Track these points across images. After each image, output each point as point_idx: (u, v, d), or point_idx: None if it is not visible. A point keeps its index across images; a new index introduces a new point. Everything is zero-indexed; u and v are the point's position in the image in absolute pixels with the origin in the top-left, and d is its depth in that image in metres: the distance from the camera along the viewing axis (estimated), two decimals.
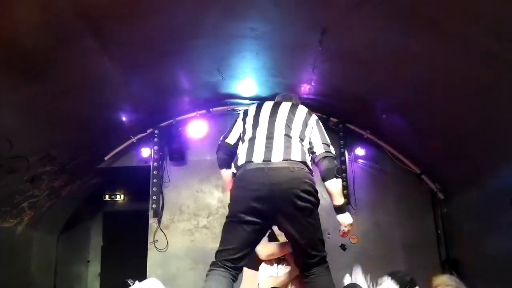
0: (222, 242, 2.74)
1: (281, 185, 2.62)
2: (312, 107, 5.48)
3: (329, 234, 5.70)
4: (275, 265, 3.29)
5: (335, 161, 2.85)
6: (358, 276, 3.66)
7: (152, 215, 5.86)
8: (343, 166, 5.80)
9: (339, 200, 2.87)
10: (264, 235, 2.95)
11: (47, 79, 3.87)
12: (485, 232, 4.51)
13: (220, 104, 5.81)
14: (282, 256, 3.30)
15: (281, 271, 3.25)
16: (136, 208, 7.13)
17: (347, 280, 3.58)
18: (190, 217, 5.92)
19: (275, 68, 4.83)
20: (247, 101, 5.62)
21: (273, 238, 3.36)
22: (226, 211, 2.88)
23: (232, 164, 2.95)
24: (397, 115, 5.05)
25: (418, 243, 5.63)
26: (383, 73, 4.29)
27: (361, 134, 5.86)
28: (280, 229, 2.93)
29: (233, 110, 5.75)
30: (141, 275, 4.58)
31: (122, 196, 7.79)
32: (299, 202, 2.62)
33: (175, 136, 5.88)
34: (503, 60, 3.13)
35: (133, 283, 3.04)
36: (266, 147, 2.77)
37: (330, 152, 2.85)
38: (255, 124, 2.93)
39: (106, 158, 5.90)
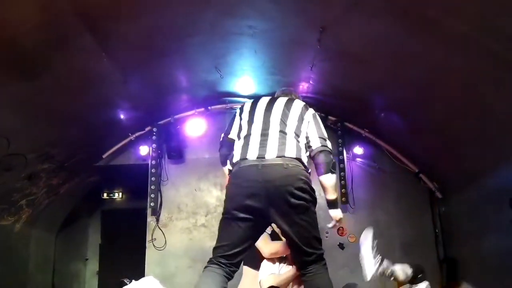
0: (217, 239, 2.74)
1: (274, 182, 2.59)
2: (311, 105, 5.46)
3: (327, 233, 5.70)
4: (277, 263, 3.29)
5: (331, 156, 2.82)
6: (367, 240, 3.67)
7: (150, 213, 5.86)
8: (341, 165, 5.80)
9: (333, 195, 2.86)
10: (261, 232, 2.93)
11: (46, 77, 3.87)
12: (483, 232, 4.52)
13: (218, 102, 5.81)
14: (284, 255, 3.30)
15: (283, 269, 3.25)
16: (134, 206, 7.13)
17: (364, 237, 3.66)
18: (188, 215, 5.92)
19: (274, 66, 4.83)
20: (246, 99, 5.60)
21: (276, 236, 3.35)
22: None
23: (228, 162, 2.94)
24: (396, 114, 5.06)
25: (416, 242, 5.64)
26: (381, 72, 4.29)
27: (359, 133, 5.86)
28: (276, 226, 2.92)
29: (232, 108, 5.74)
30: (139, 274, 4.58)
31: (120, 194, 7.77)
32: (292, 200, 2.59)
33: (173, 134, 5.87)
34: (503, 60, 3.13)
35: (130, 282, 3.03)
36: (260, 144, 2.75)
37: (327, 146, 2.82)
38: (250, 121, 2.91)
39: (104, 156, 5.89)
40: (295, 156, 2.69)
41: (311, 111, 2.98)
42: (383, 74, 4.30)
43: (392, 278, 3.71)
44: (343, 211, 5.72)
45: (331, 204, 2.91)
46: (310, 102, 5.38)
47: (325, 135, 2.88)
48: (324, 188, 2.84)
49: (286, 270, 3.24)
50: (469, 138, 4.25)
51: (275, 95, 3.31)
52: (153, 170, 5.84)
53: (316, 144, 2.81)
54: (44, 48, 3.51)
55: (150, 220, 5.86)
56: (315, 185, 2.81)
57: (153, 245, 5.78)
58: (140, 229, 6.00)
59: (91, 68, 4.10)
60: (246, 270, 3.48)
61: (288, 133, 2.79)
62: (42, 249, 6.17)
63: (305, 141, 2.84)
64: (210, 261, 2.67)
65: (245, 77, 5.17)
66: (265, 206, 2.61)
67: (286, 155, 2.68)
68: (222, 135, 3.10)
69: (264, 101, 3.02)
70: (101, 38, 3.70)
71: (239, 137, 2.91)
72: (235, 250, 2.65)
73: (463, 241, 5.16)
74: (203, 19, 3.81)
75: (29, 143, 4.55)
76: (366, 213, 5.83)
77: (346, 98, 5.28)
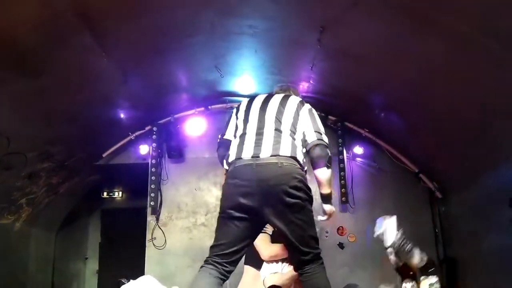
0: (214, 238, 2.74)
1: (268, 181, 2.59)
2: (311, 105, 5.51)
3: (327, 232, 5.72)
4: (279, 262, 3.29)
5: (328, 150, 2.78)
6: (392, 217, 3.70)
7: (150, 213, 5.86)
8: (341, 165, 5.80)
9: (327, 189, 2.86)
10: (258, 231, 2.91)
11: (46, 76, 3.86)
12: (483, 231, 4.52)
13: (218, 102, 5.81)
14: (283, 258, 3.29)
15: (285, 269, 3.25)
16: (134, 205, 7.13)
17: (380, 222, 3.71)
18: (188, 214, 5.92)
19: (274, 65, 4.83)
20: (246, 99, 5.61)
21: (275, 239, 3.34)
22: None
23: (224, 161, 2.94)
24: (396, 113, 5.06)
25: (416, 242, 5.63)
26: (382, 72, 4.29)
27: (359, 133, 5.87)
28: (271, 225, 2.92)
29: (232, 107, 5.71)
30: (139, 273, 4.57)
31: (120, 193, 7.78)
32: (287, 199, 2.58)
33: (173, 133, 5.87)
34: (502, 59, 3.13)
35: (128, 282, 3.03)
36: (255, 143, 2.74)
37: (323, 140, 2.78)
38: (246, 120, 2.91)
39: (104, 155, 5.89)
40: (290, 155, 2.68)
41: (307, 106, 2.95)
42: (383, 74, 4.30)
43: (407, 255, 3.74)
44: (343, 211, 5.83)
45: (325, 198, 2.91)
46: (310, 102, 5.38)
47: (322, 129, 2.84)
48: (318, 182, 2.83)
49: (289, 269, 3.23)
50: (469, 138, 4.25)
51: (274, 91, 3.30)
52: (153, 169, 5.84)
53: (312, 138, 2.78)
54: (44, 47, 3.50)
55: (150, 219, 5.86)
56: (313, 184, 2.81)
57: (153, 244, 5.78)
58: (140, 228, 6.00)
59: (91, 67, 4.10)
60: (247, 269, 3.48)
61: (284, 131, 2.77)
62: (42, 248, 6.17)
63: (302, 137, 2.81)
64: (206, 261, 2.67)
65: (245, 76, 5.18)
66: (260, 205, 2.60)
67: (281, 154, 2.67)
68: (219, 136, 3.10)
69: (259, 99, 3.01)
70: (101, 37, 3.70)
71: (235, 136, 2.91)
72: (232, 249, 2.65)
73: (463, 241, 5.16)
74: (203, 18, 3.81)
75: (29, 142, 4.54)
76: (366, 212, 5.83)
77: (346, 98, 5.29)
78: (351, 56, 4.22)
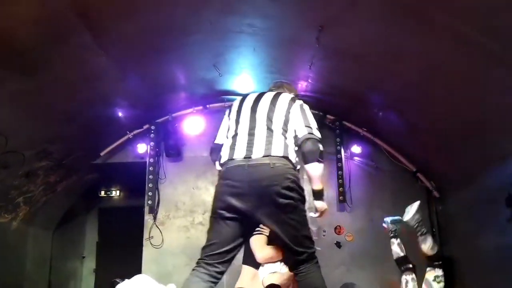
0: (206, 239, 2.72)
1: (260, 182, 2.56)
2: (309, 104, 5.49)
3: (324, 231, 5.73)
4: (277, 262, 3.28)
5: (319, 144, 2.73)
6: (414, 207, 3.78)
7: (148, 211, 5.86)
8: (339, 164, 5.82)
9: (318, 185, 2.79)
10: (250, 231, 2.89)
11: (44, 74, 3.86)
12: (480, 230, 4.53)
13: (216, 101, 5.81)
14: (278, 259, 3.27)
15: (284, 268, 3.24)
16: (132, 204, 7.11)
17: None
18: (186, 213, 5.92)
19: (272, 64, 4.83)
20: (238, 99, 5.61)
21: (272, 240, 3.33)
22: None
23: (217, 162, 2.93)
24: (394, 113, 5.06)
25: (413, 241, 5.65)
26: (380, 71, 4.29)
27: (357, 132, 5.87)
28: (264, 226, 2.90)
29: (230, 106, 5.73)
30: (136, 272, 4.56)
31: (118, 192, 7.77)
32: (280, 199, 2.55)
33: (171, 132, 5.88)
34: (500, 59, 3.14)
35: (122, 281, 3.01)
36: (247, 143, 2.71)
37: (313, 134, 2.73)
38: (237, 120, 2.88)
39: (102, 153, 5.89)
40: (282, 155, 2.65)
41: (298, 102, 2.90)
42: (381, 73, 4.31)
43: (419, 238, 3.79)
44: (340, 210, 5.84)
45: (317, 194, 2.84)
46: (308, 101, 5.40)
47: (313, 124, 2.79)
48: (309, 178, 2.78)
49: (287, 270, 3.23)
50: (467, 137, 4.26)
51: (269, 88, 3.29)
52: (151, 168, 5.84)
53: (302, 132, 2.74)
54: (42, 45, 3.49)
55: (148, 218, 5.86)
56: (308, 185, 2.80)
57: (150, 243, 5.78)
58: (137, 227, 5.99)
59: (89, 66, 4.09)
60: (245, 268, 3.47)
61: (275, 130, 2.74)
62: (39, 246, 6.15)
63: (293, 135, 2.77)
64: (198, 263, 2.66)
65: (243, 75, 5.17)
66: (253, 206, 2.58)
67: (273, 154, 2.63)
68: (213, 141, 3.05)
69: (250, 99, 2.98)
70: (99, 35, 3.69)
71: (227, 137, 2.88)
72: (223, 249, 2.63)
73: (460, 240, 5.17)
74: (202, 17, 3.80)
75: (26, 140, 4.53)
76: (363, 211, 5.85)
77: (344, 97, 5.29)
78: (350, 56, 4.22)
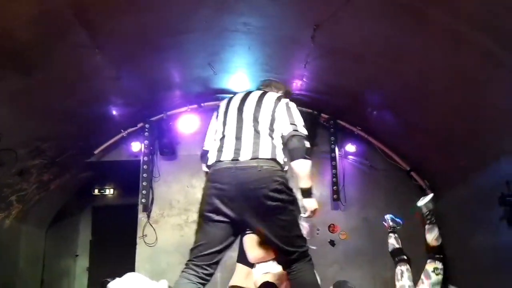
0: (194, 241, 2.70)
1: (248, 185, 2.55)
2: (304, 103, 5.53)
3: (318, 229, 5.73)
4: (270, 261, 3.27)
5: (305, 141, 2.69)
6: (428, 197, 3.83)
7: (142, 210, 5.85)
8: (333, 163, 5.83)
9: (306, 183, 2.74)
10: (238, 233, 2.85)
11: (38, 72, 3.83)
12: (473, 229, 4.55)
13: (211, 99, 5.79)
14: (269, 259, 3.27)
15: (277, 268, 3.23)
16: (126, 202, 7.10)
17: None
18: (180, 212, 5.91)
19: (267, 63, 4.82)
20: (225, 100, 5.61)
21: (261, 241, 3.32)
22: None
23: (204, 165, 2.91)
24: (388, 112, 5.08)
25: (406, 239, 5.67)
26: (375, 70, 4.30)
27: (351, 131, 5.89)
28: (251, 229, 2.88)
29: (217, 108, 5.72)
30: (130, 270, 4.53)
31: (112, 190, 7.76)
32: (268, 202, 2.54)
33: (165, 130, 5.86)
34: (496, 59, 3.15)
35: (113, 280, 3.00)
36: (235, 145, 2.70)
37: (298, 131, 2.71)
38: (224, 122, 2.86)
39: (96, 152, 5.86)
40: (270, 157, 2.63)
41: (284, 101, 2.87)
42: (376, 72, 4.32)
43: (426, 226, 3.84)
44: (334, 209, 5.85)
45: (305, 193, 2.78)
46: (303, 100, 5.43)
47: (298, 121, 2.77)
48: (296, 175, 2.72)
49: (280, 269, 3.22)
50: (460, 136, 4.28)
51: (257, 87, 3.27)
52: (145, 167, 5.82)
53: (287, 130, 2.72)
54: (38, 43, 3.48)
55: (141, 216, 5.85)
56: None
57: (144, 241, 5.77)
58: (131, 225, 5.98)
59: (84, 64, 4.08)
60: (239, 267, 3.47)
61: (262, 131, 2.73)
62: (32, 245, 6.13)
63: (280, 134, 2.75)
64: (187, 265, 2.65)
65: (238, 74, 5.17)
66: (241, 209, 2.57)
67: (260, 157, 2.62)
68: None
69: (237, 99, 2.95)
70: (94, 34, 3.68)
71: (214, 139, 2.86)
72: (211, 250, 2.61)
73: (453, 238, 5.18)
74: (198, 15, 3.79)
75: (20, 138, 4.51)
76: (357, 210, 5.87)
77: (339, 96, 5.30)
78: (345, 55, 4.23)
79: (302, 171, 2.70)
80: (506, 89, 3.33)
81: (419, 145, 5.23)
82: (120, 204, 7.56)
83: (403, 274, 3.83)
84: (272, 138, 2.72)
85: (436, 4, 3.02)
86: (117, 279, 2.97)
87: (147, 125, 5.82)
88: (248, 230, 3.16)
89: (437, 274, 3.72)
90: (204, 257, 2.61)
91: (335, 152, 5.85)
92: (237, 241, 3.07)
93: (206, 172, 2.85)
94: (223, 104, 3.01)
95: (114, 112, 5.34)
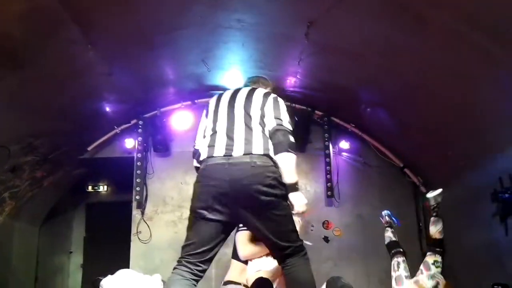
0: (186, 237, 2.68)
1: (241, 181, 2.53)
2: (298, 100, 5.53)
3: (312, 226, 5.75)
4: (263, 257, 3.27)
5: (290, 136, 2.68)
6: (437, 191, 3.91)
7: (136, 207, 5.84)
8: (327, 159, 5.84)
9: (291, 178, 2.69)
10: (231, 230, 2.83)
11: (31, 68, 3.81)
12: (466, 225, 4.58)
13: (205, 96, 5.76)
14: (260, 256, 3.27)
15: (271, 265, 3.23)
16: (120, 199, 7.08)
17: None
18: (174, 208, 5.91)
19: (261, 60, 4.82)
20: (215, 97, 5.60)
21: (253, 238, 3.32)
22: None
23: (195, 160, 2.90)
24: (382, 109, 5.10)
25: (400, 235, 5.67)
26: (369, 67, 4.31)
27: (345, 128, 5.90)
28: (245, 225, 2.87)
29: (207, 106, 5.71)
30: (124, 267, 4.52)
31: (106, 187, 7.74)
32: (262, 197, 2.53)
33: (159, 127, 5.85)
34: (492, 58, 3.16)
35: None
36: (227, 141, 2.68)
37: (283, 125, 2.70)
38: (215, 119, 2.84)
39: (89, 148, 5.85)
40: (262, 153, 2.62)
41: (271, 96, 2.87)
42: (371, 69, 4.32)
43: (432, 218, 3.90)
44: (328, 205, 5.87)
45: (291, 188, 2.71)
46: (297, 97, 5.44)
47: (284, 116, 2.76)
48: (281, 170, 2.67)
49: (274, 265, 3.22)
50: (454, 134, 4.30)
51: (245, 84, 3.27)
52: (138, 163, 5.81)
53: (271, 124, 2.71)
54: (30, 40, 3.46)
55: (135, 213, 5.85)
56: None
57: (138, 238, 5.77)
58: (125, 222, 5.97)
59: (76, 60, 4.05)
60: (233, 263, 3.47)
61: (254, 127, 2.72)
62: (25, 242, 6.10)
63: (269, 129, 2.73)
64: (179, 261, 2.63)
65: (232, 70, 5.16)
66: (234, 205, 2.57)
67: (253, 152, 2.61)
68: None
69: (227, 96, 2.95)
70: (87, 30, 3.65)
71: (205, 135, 2.84)
72: (204, 248, 2.60)
73: (446, 235, 5.21)
74: (192, 12, 3.78)
75: (12, 134, 4.49)
76: (351, 206, 5.89)
77: (333, 93, 5.30)
78: (339, 51, 4.23)
79: (286, 165, 2.66)
80: (503, 88, 3.34)
81: (413, 142, 5.25)
82: (114, 201, 7.53)
83: (399, 265, 3.85)
84: (264, 134, 2.71)
85: (431, 2, 3.02)
86: (109, 276, 2.96)
87: (140, 122, 5.80)
88: (241, 227, 3.16)
89: (437, 267, 3.74)
90: (196, 255, 2.60)
91: (329, 149, 5.87)
92: (232, 237, 3.07)
93: (197, 168, 2.83)
94: (212, 102, 3.00)
95: (108, 109, 5.32)
